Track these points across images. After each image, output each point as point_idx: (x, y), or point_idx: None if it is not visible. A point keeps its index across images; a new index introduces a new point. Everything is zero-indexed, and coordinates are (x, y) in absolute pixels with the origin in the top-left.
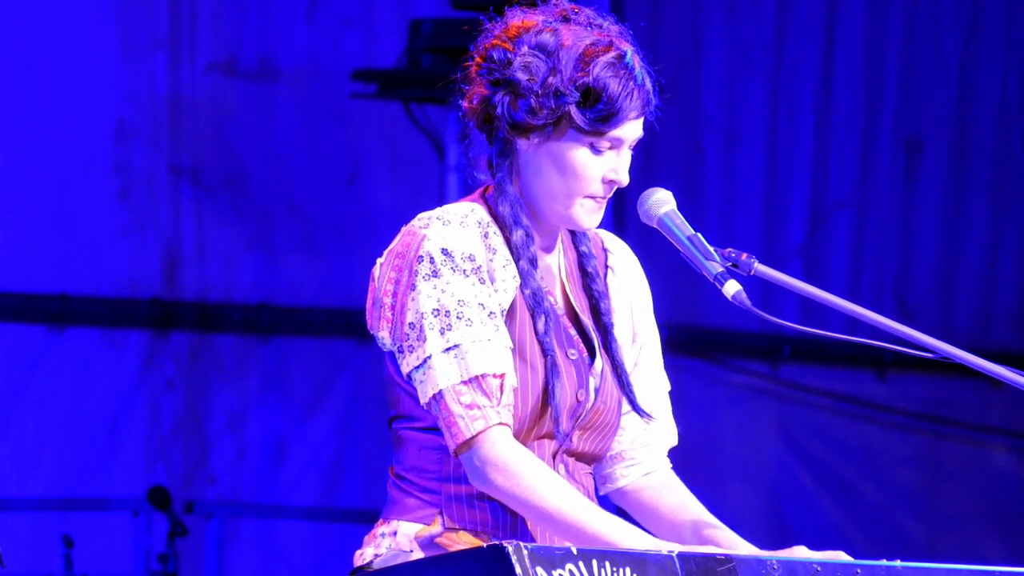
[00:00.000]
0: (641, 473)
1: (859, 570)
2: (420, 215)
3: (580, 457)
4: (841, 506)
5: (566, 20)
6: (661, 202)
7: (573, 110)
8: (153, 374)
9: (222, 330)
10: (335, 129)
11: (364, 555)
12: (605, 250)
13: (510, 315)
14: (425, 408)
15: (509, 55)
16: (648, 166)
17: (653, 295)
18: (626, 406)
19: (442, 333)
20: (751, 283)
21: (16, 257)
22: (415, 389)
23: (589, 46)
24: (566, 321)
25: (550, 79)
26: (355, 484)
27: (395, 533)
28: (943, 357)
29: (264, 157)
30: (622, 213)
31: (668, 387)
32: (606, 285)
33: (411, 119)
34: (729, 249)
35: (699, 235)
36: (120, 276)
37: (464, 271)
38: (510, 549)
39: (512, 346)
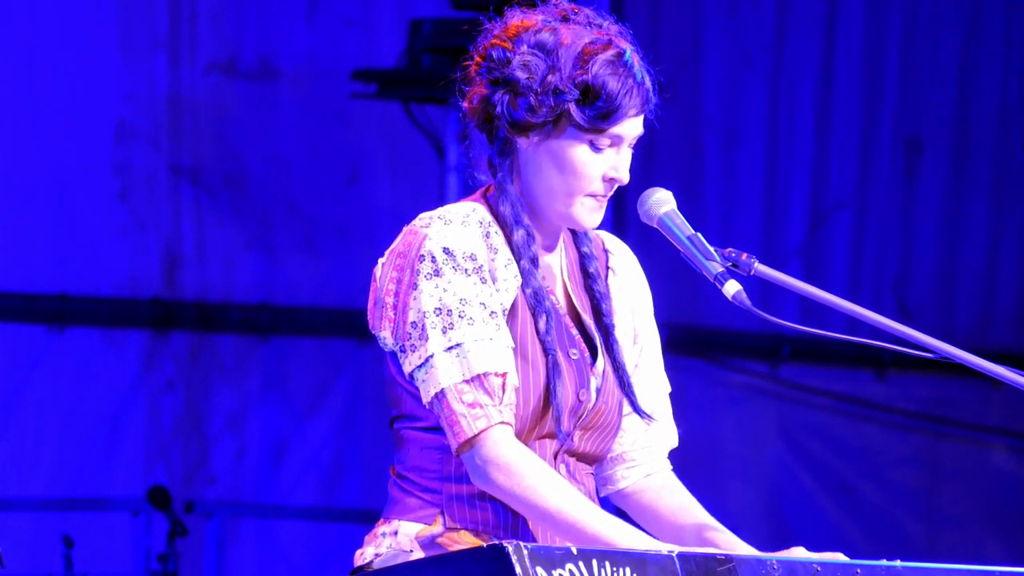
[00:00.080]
0: (642, 475)
1: (859, 570)
2: (421, 215)
3: (581, 457)
4: (841, 506)
5: (565, 20)
6: (661, 202)
7: (572, 108)
8: (153, 374)
9: (222, 330)
10: (335, 129)
11: (365, 554)
12: (606, 251)
13: (511, 315)
14: (427, 407)
15: (508, 54)
16: (648, 166)
17: (653, 295)
18: (627, 407)
19: (444, 332)
20: (751, 283)
21: (16, 257)
22: (417, 389)
23: (588, 44)
24: (568, 321)
25: (549, 77)
26: (355, 484)
27: (396, 533)
28: (943, 357)
29: (264, 157)
30: (622, 213)
31: (668, 388)
32: (607, 286)
33: (411, 119)
34: (729, 249)
35: (699, 235)
36: (120, 276)
37: (466, 270)
38: (510, 549)
39: (514, 345)
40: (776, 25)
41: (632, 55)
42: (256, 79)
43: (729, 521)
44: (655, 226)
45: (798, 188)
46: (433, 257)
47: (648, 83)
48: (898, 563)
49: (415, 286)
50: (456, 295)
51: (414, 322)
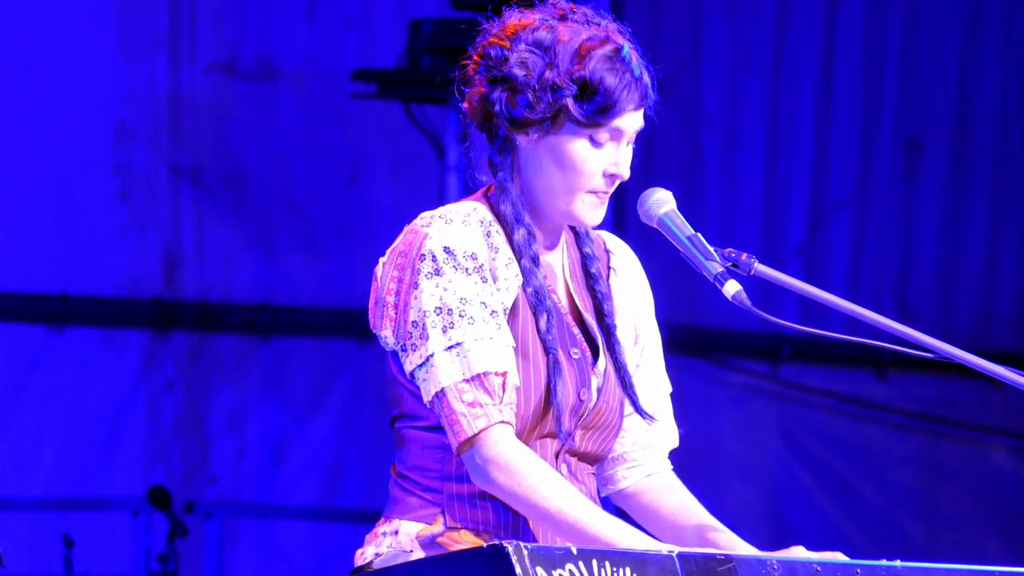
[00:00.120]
0: (642, 475)
1: (859, 570)
2: (423, 214)
3: (583, 457)
4: (841, 506)
5: (563, 18)
6: (661, 202)
7: (570, 103)
8: (153, 374)
9: (222, 330)
10: (335, 129)
11: (365, 554)
12: (607, 251)
13: (512, 314)
14: (429, 406)
15: (506, 52)
16: (648, 166)
17: (653, 295)
18: (628, 408)
19: (444, 331)
20: (751, 283)
21: (16, 257)
22: (418, 388)
23: (585, 41)
24: (569, 320)
25: (547, 73)
26: (355, 484)
27: (396, 532)
28: (943, 357)
29: (264, 157)
30: (622, 213)
31: (669, 389)
32: (609, 286)
33: (411, 119)
34: (729, 249)
35: (699, 235)
36: (120, 276)
37: (466, 269)
38: (510, 549)
39: (515, 345)
40: (776, 25)
41: (630, 51)
42: (256, 79)
43: (729, 521)
44: (655, 226)
45: (798, 188)
46: (434, 256)
47: (647, 78)
48: (898, 563)
49: (416, 285)
50: (457, 294)
51: (415, 321)
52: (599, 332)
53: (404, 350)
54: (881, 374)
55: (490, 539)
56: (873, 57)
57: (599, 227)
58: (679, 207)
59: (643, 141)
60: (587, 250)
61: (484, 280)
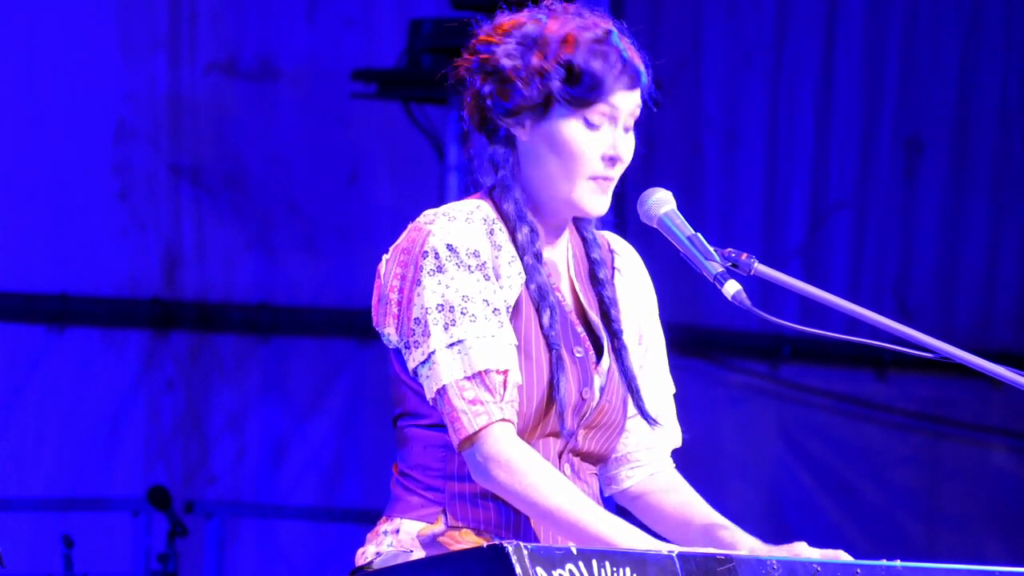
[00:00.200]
0: (646, 475)
1: (859, 570)
2: (426, 211)
3: (586, 457)
4: (841, 506)
5: (553, 14)
6: (661, 202)
7: (558, 85)
8: (153, 374)
9: (222, 330)
10: (335, 129)
11: (366, 553)
12: (611, 252)
13: (515, 312)
14: (431, 404)
15: (494, 48)
16: (648, 166)
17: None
18: (632, 409)
19: (446, 328)
20: (751, 283)
21: (16, 257)
22: (420, 386)
23: (573, 28)
24: (573, 318)
25: (534, 60)
26: (355, 484)
27: (398, 531)
28: (943, 357)
29: (264, 157)
30: (622, 213)
31: (673, 390)
32: (615, 289)
33: (411, 119)
34: (729, 249)
35: (699, 235)
36: (120, 276)
37: (469, 267)
38: (510, 549)
39: (517, 343)
40: (776, 25)
41: (620, 37)
42: (256, 79)
43: (729, 521)
44: (655, 226)
45: (798, 188)
46: (436, 253)
47: (638, 61)
48: (898, 563)
49: (418, 282)
50: (459, 292)
51: (417, 318)
52: (605, 333)
53: (407, 347)
54: (881, 374)
55: (491, 538)
56: (873, 57)
57: (602, 227)
58: (679, 207)
59: (643, 141)
60: (595, 256)
61: (487, 278)
